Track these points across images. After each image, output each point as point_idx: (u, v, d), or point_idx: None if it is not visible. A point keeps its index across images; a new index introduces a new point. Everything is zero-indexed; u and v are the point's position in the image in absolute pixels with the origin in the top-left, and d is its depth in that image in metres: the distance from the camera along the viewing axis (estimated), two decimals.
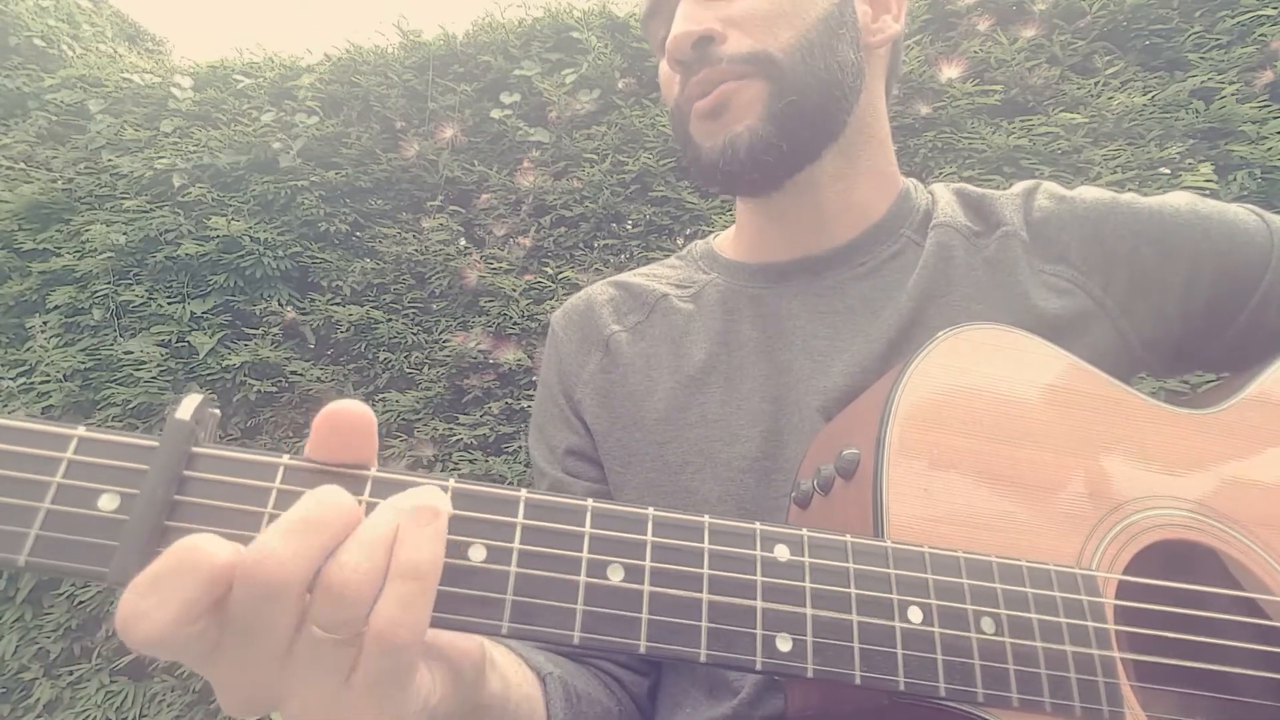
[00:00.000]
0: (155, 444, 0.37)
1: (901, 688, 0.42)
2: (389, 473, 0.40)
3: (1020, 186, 0.82)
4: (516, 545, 0.40)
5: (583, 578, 0.40)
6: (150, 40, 4.84)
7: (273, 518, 0.37)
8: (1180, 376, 1.65)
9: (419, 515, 0.37)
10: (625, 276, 0.92)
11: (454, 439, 2.28)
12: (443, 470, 2.28)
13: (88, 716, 2.30)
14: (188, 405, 0.38)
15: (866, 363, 0.72)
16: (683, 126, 0.79)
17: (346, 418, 0.39)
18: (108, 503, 0.36)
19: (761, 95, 0.72)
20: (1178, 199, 0.76)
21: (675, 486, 0.76)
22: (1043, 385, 0.57)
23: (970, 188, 0.85)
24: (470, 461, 2.24)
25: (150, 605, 0.33)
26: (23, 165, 2.90)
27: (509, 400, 2.28)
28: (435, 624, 0.38)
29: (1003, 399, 0.56)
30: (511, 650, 0.61)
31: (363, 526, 0.36)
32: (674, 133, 0.82)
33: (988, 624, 0.45)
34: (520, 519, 0.41)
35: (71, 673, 2.39)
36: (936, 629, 0.44)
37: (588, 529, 0.42)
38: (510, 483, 2.19)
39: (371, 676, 0.36)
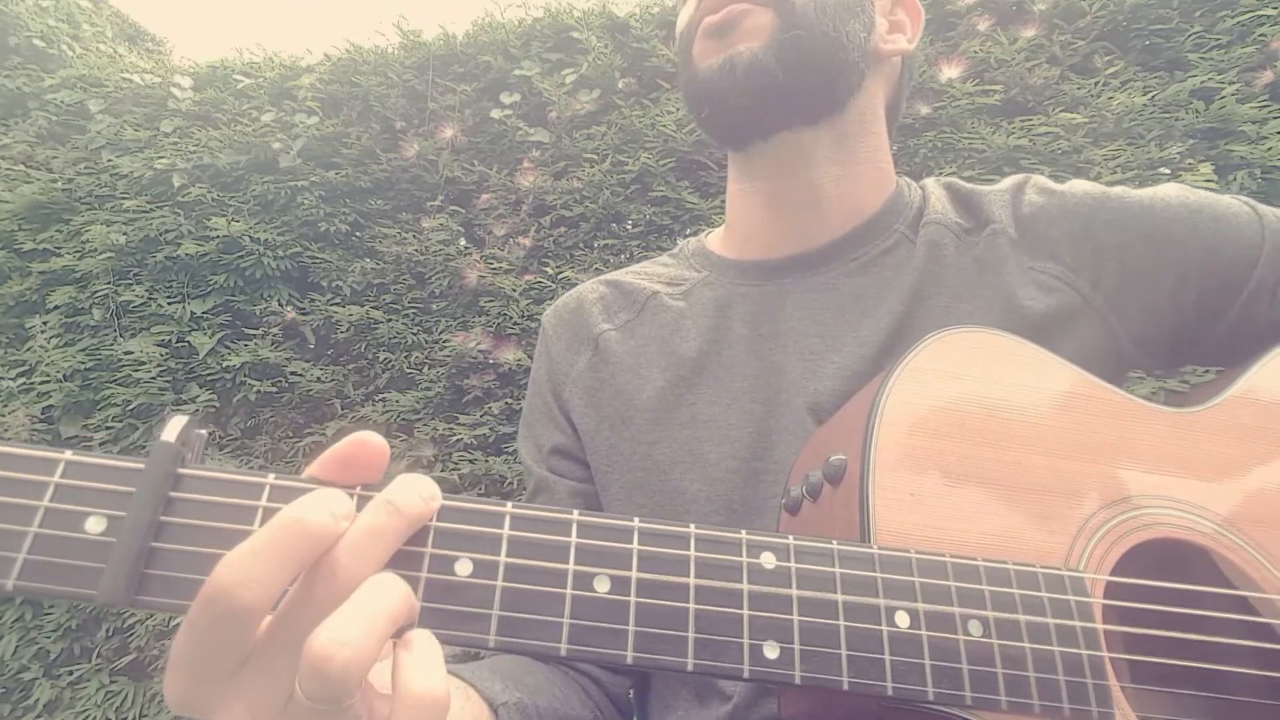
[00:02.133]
0: (141, 466, 0.38)
1: (889, 693, 0.42)
2: (374, 492, 0.40)
3: (1009, 182, 0.82)
4: (502, 559, 0.40)
5: (569, 590, 0.40)
6: (150, 40, 4.85)
7: None
8: (1174, 373, 1.65)
9: (421, 646, 0.37)
10: (616, 275, 0.91)
11: (454, 439, 2.29)
12: (443, 470, 2.28)
13: (88, 716, 2.31)
14: (173, 427, 0.38)
15: (858, 366, 0.72)
16: (687, 49, 0.79)
17: (367, 454, 0.40)
18: (95, 525, 0.37)
19: (769, 23, 0.73)
20: (1168, 191, 0.76)
21: (663, 486, 0.76)
22: (1029, 387, 0.57)
23: (960, 182, 0.84)
24: (470, 461, 2.24)
25: (251, 575, 0.34)
26: (23, 165, 2.90)
27: (509, 400, 2.29)
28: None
29: (988, 402, 0.56)
30: (462, 681, 0.60)
31: (359, 597, 0.35)
32: (679, 64, 0.83)
33: (975, 627, 0.45)
34: (506, 531, 0.41)
35: (71, 673, 2.39)
36: (924, 633, 0.44)
37: (573, 540, 0.42)
38: (510, 483, 2.19)
39: None
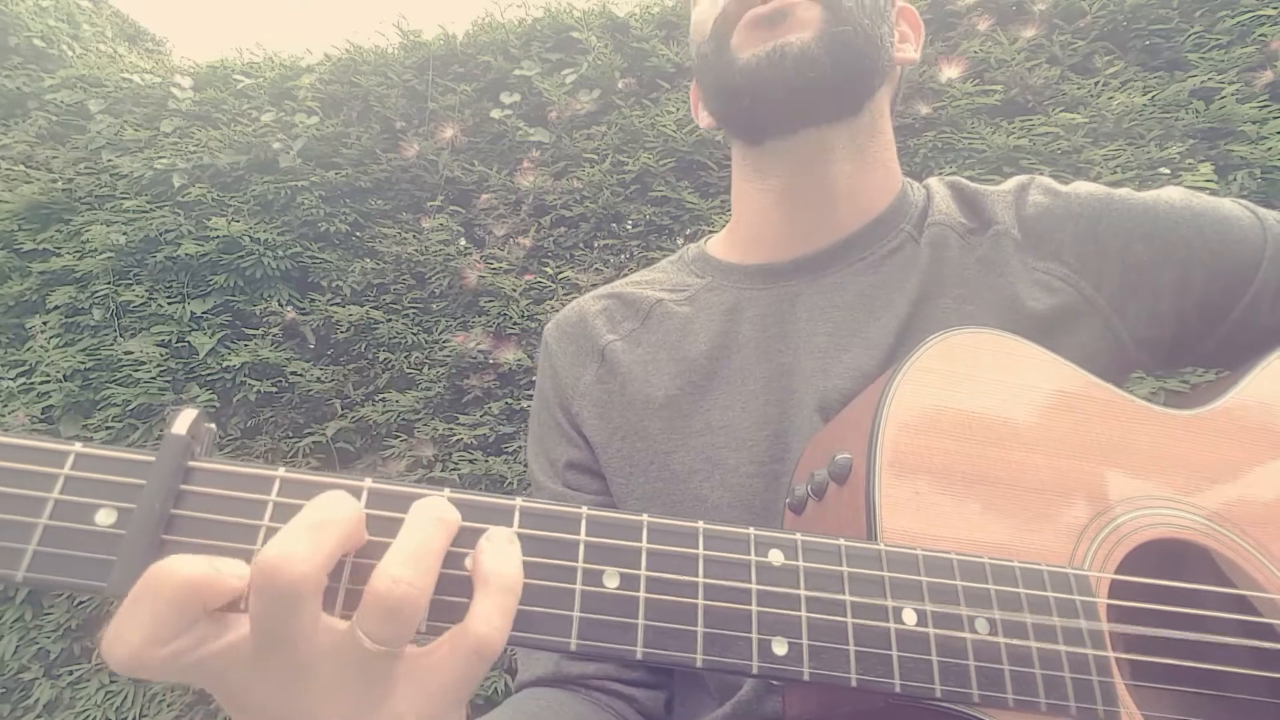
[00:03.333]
0: (152, 459, 0.38)
1: (897, 689, 0.42)
2: (385, 484, 0.40)
3: (1013, 182, 0.82)
4: None
5: (579, 585, 0.41)
6: (150, 40, 4.84)
7: (269, 530, 0.38)
8: (1176, 374, 1.65)
9: (503, 538, 0.40)
10: (615, 286, 0.90)
11: (454, 439, 2.28)
12: (443, 470, 2.28)
13: (88, 716, 2.30)
14: (184, 420, 0.38)
15: (867, 366, 0.72)
16: (724, 37, 0.76)
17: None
18: (105, 517, 0.37)
19: (819, 16, 0.72)
20: (1172, 194, 0.76)
21: (683, 495, 0.75)
22: (1033, 388, 0.57)
23: (965, 182, 0.84)
24: (470, 462, 2.24)
25: (124, 629, 0.33)
26: (23, 165, 2.89)
27: (509, 400, 2.28)
28: (432, 630, 0.38)
29: (993, 402, 0.56)
30: None
31: (404, 540, 0.38)
32: (708, 54, 0.79)
33: (982, 625, 0.45)
34: (516, 528, 0.41)
35: (71, 673, 2.39)
36: (931, 631, 0.44)
37: (583, 537, 0.42)
38: (510, 483, 2.19)
39: (458, 680, 0.38)
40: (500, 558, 0.39)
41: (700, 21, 0.81)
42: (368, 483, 0.40)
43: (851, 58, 0.73)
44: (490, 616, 0.37)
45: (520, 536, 0.41)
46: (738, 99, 0.76)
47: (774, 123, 0.77)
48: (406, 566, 0.36)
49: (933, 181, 0.85)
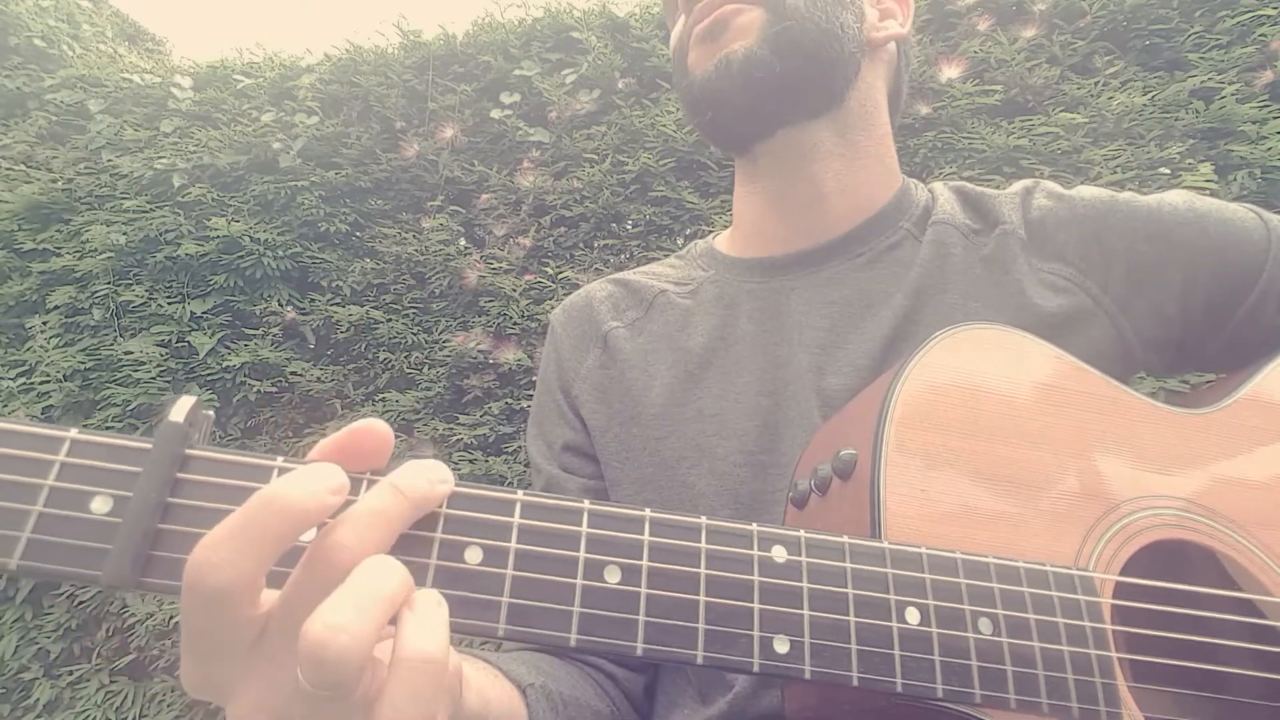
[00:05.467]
0: (148, 446, 0.37)
1: (899, 689, 0.42)
2: (382, 478, 0.40)
3: (1019, 185, 0.83)
4: (513, 546, 0.40)
5: (579, 580, 0.40)
6: (150, 40, 4.85)
7: None
8: (1179, 376, 1.65)
9: (423, 601, 0.35)
10: (624, 275, 0.92)
11: (454, 439, 2.28)
12: None
13: (88, 716, 2.30)
14: (181, 407, 0.37)
15: (863, 360, 0.73)
16: (682, 60, 0.80)
17: (370, 443, 0.39)
18: (100, 505, 0.36)
19: (759, 20, 0.74)
20: (1175, 197, 0.77)
21: (671, 482, 0.76)
22: (1041, 385, 0.57)
23: (969, 186, 0.85)
24: (470, 462, 2.24)
25: (231, 551, 0.33)
26: (23, 165, 2.90)
27: (509, 400, 2.28)
28: None
29: (1001, 399, 0.56)
30: (489, 664, 0.60)
31: (354, 579, 0.34)
32: (675, 77, 0.84)
33: (985, 625, 0.45)
34: (517, 520, 0.41)
35: (71, 673, 2.39)
36: (934, 630, 0.44)
37: (584, 530, 0.41)
38: (510, 483, 2.19)
39: None
40: (420, 631, 0.34)
41: (673, 48, 0.85)
42: (366, 475, 0.39)
43: (799, 53, 0.74)
44: (396, 703, 0.33)
45: (521, 528, 0.40)
46: (700, 113, 0.79)
47: (743, 128, 0.80)
48: (341, 612, 0.32)
49: (937, 185, 0.86)
